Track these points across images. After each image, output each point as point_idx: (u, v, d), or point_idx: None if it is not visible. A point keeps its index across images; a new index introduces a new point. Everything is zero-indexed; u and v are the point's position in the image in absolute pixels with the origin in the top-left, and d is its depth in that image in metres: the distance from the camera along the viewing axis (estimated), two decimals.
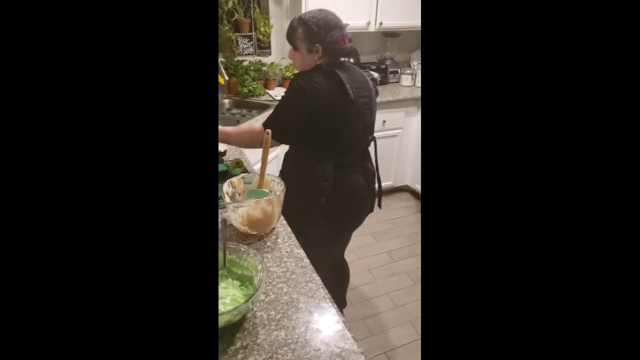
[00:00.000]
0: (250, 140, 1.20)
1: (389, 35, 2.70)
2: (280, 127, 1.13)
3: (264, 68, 2.47)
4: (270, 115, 1.16)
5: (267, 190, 0.99)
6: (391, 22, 2.44)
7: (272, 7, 2.42)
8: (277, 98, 2.33)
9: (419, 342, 1.68)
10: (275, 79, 2.54)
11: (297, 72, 1.20)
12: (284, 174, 1.27)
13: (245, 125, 1.24)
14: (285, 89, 1.20)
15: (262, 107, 2.20)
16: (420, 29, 2.58)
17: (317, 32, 1.09)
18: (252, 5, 2.30)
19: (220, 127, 1.20)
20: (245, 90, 2.31)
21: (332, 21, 1.12)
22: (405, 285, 1.99)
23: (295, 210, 1.14)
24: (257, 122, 1.24)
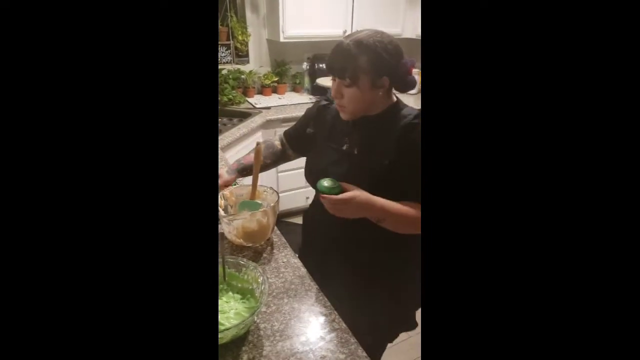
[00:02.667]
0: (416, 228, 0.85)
1: None
2: None
3: (242, 76, 2.47)
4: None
5: (259, 202, 1.00)
6: None
7: (249, 15, 2.43)
8: (257, 106, 2.33)
9: (414, 339, 1.72)
10: (254, 87, 2.54)
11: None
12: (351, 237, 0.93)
13: (413, 211, 0.83)
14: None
15: (243, 115, 2.19)
16: (395, 37, 2.65)
17: (388, 60, 0.81)
18: (229, 14, 2.29)
19: (373, 199, 0.82)
20: (225, 98, 2.30)
21: (399, 47, 0.85)
22: None
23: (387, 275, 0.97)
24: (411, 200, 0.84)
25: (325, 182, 0.81)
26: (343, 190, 0.81)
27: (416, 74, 2.67)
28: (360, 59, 0.79)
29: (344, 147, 0.92)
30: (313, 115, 1.03)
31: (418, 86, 2.78)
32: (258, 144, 0.99)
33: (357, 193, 0.80)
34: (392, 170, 0.84)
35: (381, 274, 0.95)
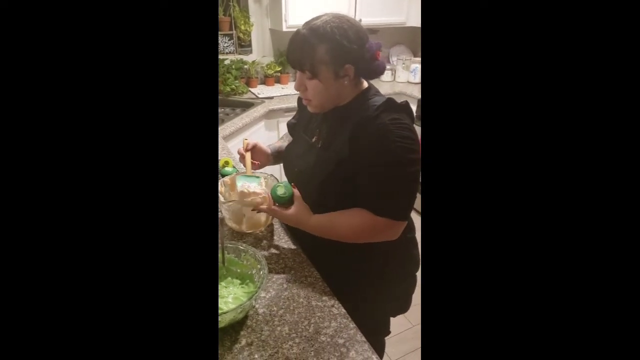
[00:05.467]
0: (368, 237, 0.80)
1: (368, 31, 2.73)
2: (411, 200, 0.79)
3: (245, 66, 2.46)
4: (388, 194, 0.76)
5: (257, 176, 0.98)
6: (371, 19, 2.47)
7: (251, 5, 2.41)
8: (260, 96, 2.32)
9: (410, 330, 1.72)
10: (257, 77, 2.53)
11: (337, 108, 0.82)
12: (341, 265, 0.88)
13: (348, 229, 0.80)
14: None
15: (246, 105, 2.18)
16: (399, 25, 2.62)
17: (348, 47, 0.74)
18: (231, 3, 2.27)
19: (303, 221, 0.82)
20: (228, 89, 2.29)
21: (362, 30, 0.78)
22: None
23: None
24: (361, 206, 0.78)
25: (279, 190, 0.84)
26: (292, 197, 0.84)
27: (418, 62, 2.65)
28: (318, 49, 0.74)
29: (313, 139, 0.89)
30: (298, 105, 1.01)
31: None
32: (245, 138, 0.99)
33: (291, 212, 0.83)
34: (343, 167, 0.78)
35: (347, 280, 0.88)
